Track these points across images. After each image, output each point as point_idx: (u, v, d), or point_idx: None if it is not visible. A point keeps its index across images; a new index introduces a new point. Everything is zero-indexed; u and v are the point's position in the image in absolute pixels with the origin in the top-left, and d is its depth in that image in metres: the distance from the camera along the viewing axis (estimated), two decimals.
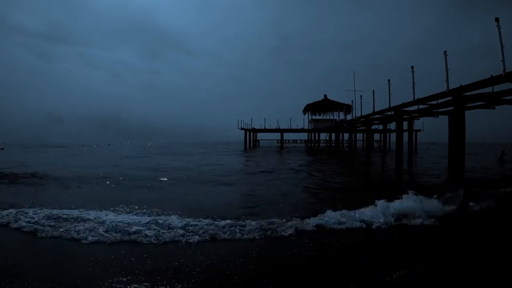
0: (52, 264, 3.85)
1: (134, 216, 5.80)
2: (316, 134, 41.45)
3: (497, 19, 7.78)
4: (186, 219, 5.48)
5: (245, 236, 4.79)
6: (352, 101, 22.36)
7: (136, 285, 3.22)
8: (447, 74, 9.72)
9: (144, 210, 6.23)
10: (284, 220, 5.41)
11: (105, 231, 4.90)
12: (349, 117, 27.39)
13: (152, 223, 5.27)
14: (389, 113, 16.04)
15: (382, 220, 5.39)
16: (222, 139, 72.66)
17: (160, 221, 5.35)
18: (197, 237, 4.70)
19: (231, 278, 3.42)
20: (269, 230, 4.98)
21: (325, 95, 41.17)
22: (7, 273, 3.46)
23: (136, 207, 6.44)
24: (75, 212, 6.01)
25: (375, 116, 17.68)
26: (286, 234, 4.87)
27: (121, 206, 6.52)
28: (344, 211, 5.66)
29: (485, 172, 13.84)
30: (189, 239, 4.66)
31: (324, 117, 40.67)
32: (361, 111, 18.97)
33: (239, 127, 37.51)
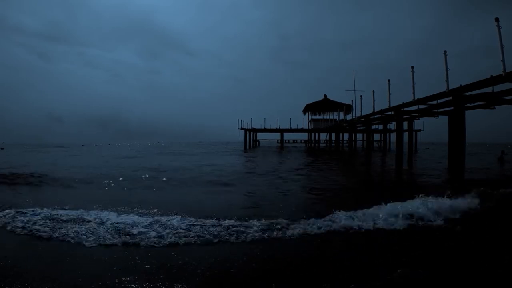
0: (51, 265, 3.81)
1: (136, 216, 5.74)
2: (316, 134, 41.43)
3: (497, 19, 7.79)
4: (189, 219, 5.43)
5: (249, 236, 4.72)
6: (352, 101, 22.40)
7: None
8: (447, 74, 9.72)
9: (146, 211, 6.20)
10: (289, 221, 5.35)
11: (107, 232, 4.86)
12: (349, 117, 27.40)
13: (155, 224, 5.22)
14: (389, 113, 16.05)
15: (392, 221, 5.33)
16: (222, 139, 72.66)
17: (163, 222, 5.31)
18: (201, 238, 4.65)
19: (237, 279, 3.42)
20: (275, 231, 4.92)
21: (325, 95, 41.18)
22: (6, 273, 3.47)
23: (138, 208, 6.40)
24: (76, 213, 5.97)
25: (375, 116, 17.69)
26: (292, 235, 4.81)
27: (122, 206, 6.50)
28: (350, 212, 5.62)
29: (485, 172, 13.83)
30: (193, 240, 4.61)
31: (324, 117, 40.67)
32: (361, 111, 18.99)
33: (239, 127, 37.55)
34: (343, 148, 33.00)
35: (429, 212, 5.72)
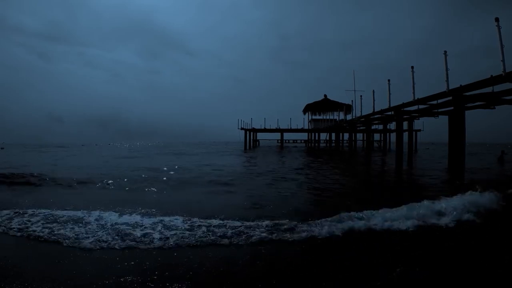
0: (51, 267, 3.76)
1: (138, 217, 5.67)
2: (316, 134, 41.44)
3: (497, 19, 7.79)
4: (193, 220, 5.37)
5: (254, 238, 4.65)
6: (352, 101, 22.43)
7: None
8: (447, 74, 9.73)
9: (148, 211, 6.15)
10: (293, 222, 5.29)
11: (108, 234, 4.79)
12: (349, 117, 27.42)
13: (158, 224, 5.18)
14: (389, 113, 16.06)
15: (406, 222, 5.22)
16: (222, 139, 72.76)
17: (166, 222, 5.26)
18: (206, 239, 4.59)
19: (242, 280, 3.41)
20: (280, 232, 4.85)
21: (325, 95, 41.20)
22: (6, 273, 3.46)
23: (139, 208, 6.35)
24: (77, 213, 5.92)
25: (375, 116, 17.69)
26: (297, 236, 4.74)
27: (123, 207, 6.45)
28: (358, 213, 5.56)
29: (485, 172, 13.82)
30: (197, 241, 4.55)
31: (324, 117, 40.69)
32: (361, 111, 19.01)
33: (239, 127, 37.54)
34: (343, 148, 33.00)
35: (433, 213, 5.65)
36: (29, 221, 5.49)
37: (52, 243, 4.57)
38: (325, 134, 38.82)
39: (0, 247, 4.54)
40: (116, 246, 4.38)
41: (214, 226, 5.10)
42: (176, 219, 5.47)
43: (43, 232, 4.94)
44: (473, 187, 6.77)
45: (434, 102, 12.10)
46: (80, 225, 5.25)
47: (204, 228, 5.01)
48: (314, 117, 41.56)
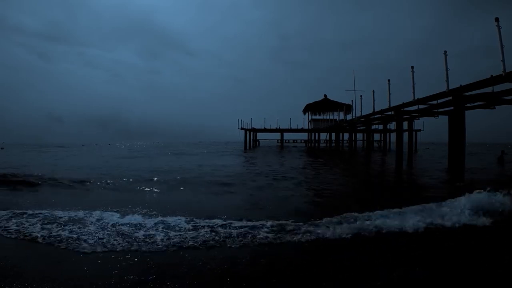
0: (52, 269, 3.71)
1: (140, 218, 5.62)
2: (316, 134, 41.44)
3: (497, 19, 7.79)
4: (196, 220, 5.32)
5: (257, 239, 4.59)
6: (352, 101, 22.44)
7: None
8: (447, 74, 9.73)
9: (149, 212, 6.12)
10: (295, 222, 5.24)
11: (109, 235, 4.72)
12: (349, 117, 27.42)
13: (160, 224, 5.13)
14: (389, 113, 16.07)
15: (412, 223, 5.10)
16: (222, 139, 72.69)
17: (168, 223, 5.21)
18: (210, 240, 4.53)
19: (245, 281, 3.39)
20: (285, 233, 4.79)
21: (325, 95, 41.19)
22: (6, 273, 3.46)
23: (141, 209, 6.32)
24: (77, 214, 5.89)
25: (375, 116, 17.70)
26: (300, 236, 4.67)
27: (124, 207, 6.43)
28: (358, 214, 5.52)
29: (485, 172, 13.81)
30: (201, 241, 4.49)
31: (324, 117, 40.67)
32: (361, 111, 19.02)
33: (239, 127, 37.53)
34: (343, 148, 33.00)
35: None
36: (28, 221, 5.44)
37: (52, 243, 4.51)
38: (325, 134, 38.85)
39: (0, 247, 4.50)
40: (118, 247, 4.31)
41: (218, 226, 5.05)
42: (179, 219, 5.42)
43: (42, 233, 4.87)
44: (481, 187, 6.64)
45: (434, 102, 12.10)
46: (81, 225, 5.20)
47: (207, 229, 4.95)
48: (314, 117, 41.57)
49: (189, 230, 4.92)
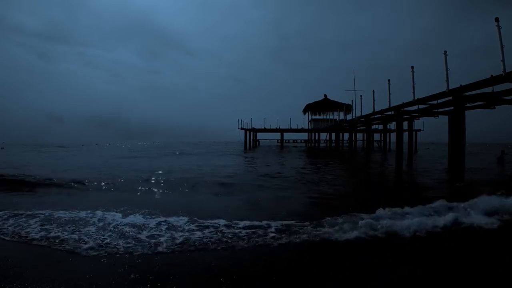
0: (51, 270, 3.66)
1: (142, 218, 5.57)
2: (316, 134, 41.45)
3: (497, 19, 7.79)
4: (200, 221, 5.27)
5: (264, 238, 4.55)
6: (352, 101, 22.46)
7: None
8: (447, 74, 9.73)
9: (151, 212, 6.05)
10: (307, 222, 5.17)
11: (112, 235, 4.66)
12: (349, 117, 27.43)
13: (163, 224, 5.10)
14: (389, 113, 16.07)
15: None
16: (222, 139, 72.68)
17: (171, 223, 5.18)
18: (213, 240, 4.48)
19: (251, 281, 3.39)
20: (291, 233, 4.74)
21: (325, 95, 41.19)
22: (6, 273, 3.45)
23: (142, 209, 6.24)
24: (79, 214, 5.83)
25: (375, 116, 17.70)
26: (304, 237, 4.61)
27: (126, 207, 6.38)
28: (364, 214, 5.48)
29: (485, 172, 13.81)
30: (206, 242, 4.44)
31: (324, 117, 40.69)
32: (361, 111, 19.03)
33: (239, 127, 37.55)
34: (343, 148, 33.00)
35: None
36: (28, 222, 5.39)
37: (53, 244, 4.47)
38: (325, 134, 38.87)
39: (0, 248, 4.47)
40: (121, 248, 4.24)
41: (222, 226, 5.01)
42: (181, 219, 5.38)
43: (42, 234, 4.82)
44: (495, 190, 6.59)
45: (434, 102, 12.11)
46: (83, 226, 5.16)
47: (212, 229, 4.91)
48: (314, 117, 41.58)
49: (193, 230, 4.86)
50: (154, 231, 4.86)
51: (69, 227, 5.09)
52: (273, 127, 40.39)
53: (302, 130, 41.59)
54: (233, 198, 8.23)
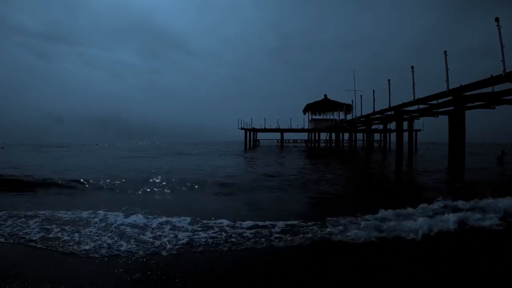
0: (51, 270, 3.61)
1: (143, 218, 5.55)
2: (316, 134, 41.45)
3: (497, 19, 7.79)
4: (203, 221, 5.24)
5: (269, 238, 4.52)
6: (352, 101, 22.44)
7: None
8: (447, 74, 9.73)
9: (153, 212, 6.02)
10: (310, 223, 5.17)
11: (113, 236, 4.61)
12: (349, 117, 27.42)
13: (166, 225, 5.08)
14: (389, 113, 16.06)
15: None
16: (222, 139, 72.62)
17: (173, 223, 5.15)
18: (218, 240, 4.45)
19: (257, 281, 3.39)
20: (296, 233, 4.71)
21: (325, 95, 41.17)
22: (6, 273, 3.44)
23: (143, 209, 6.23)
24: (81, 215, 5.80)
25: (375, 116, 17.70)
26: (314, 237, 4.59)
27: (127, 208, 6.37)
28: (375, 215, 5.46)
29: (485, 172, 13.81)
30: (211, 243, 4.41)
31: (324, 117, 40.65)
32: (361, 111, 19.02)
33: (239, 127, 37.54)
34: (343, 148, 33.01)
35: None
36: (28, 222, 5.36)
37: (53, 245, 4.44)
38: (325, 134, 38.85)
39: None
40: (125, 249, 4.20)
41: (226, 226, 4.99)
42: (184, 219, 5.36)
43: (43, 234, 4.78)
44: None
45: (434, 102, 12.10)
46: (84, 226, 5.13)
47: (216, 229, 4.89)
48: (314, 117, 41.56)
49: (197, 230, 4.84)
50: (158, 231, 4.83)
51: (70, 228, 5.06)
52: (273, 127, 40.39)
53: (302, 130, 41.58)
54: (234, 198, 8.23)
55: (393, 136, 21.66)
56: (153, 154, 31.62)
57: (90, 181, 10.67)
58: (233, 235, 4.65)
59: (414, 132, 22.61)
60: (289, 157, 24.87)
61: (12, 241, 4.61)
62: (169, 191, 9.32)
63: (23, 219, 5.55)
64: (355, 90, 24.35)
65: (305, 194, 8.98)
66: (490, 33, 8.08)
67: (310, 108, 41.51)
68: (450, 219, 5.09)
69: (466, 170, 10.80)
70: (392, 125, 24.11)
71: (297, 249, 4.27)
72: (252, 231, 4.81)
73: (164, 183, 10.44)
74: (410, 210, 5.74)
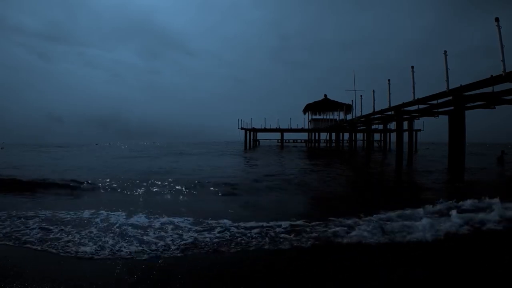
0: (52, 271, 3.59)
1: (145, 218, 5.52)
2: (316, 134, 41.45)
3: (497, 19, 7.79)
4: (206, 222, 5.22)
5: (273, 239, 4.51)
6: (352, 101, 22.46)
7: None
8: (447, 74, 9.74)
9: (155, 212, 6.00)
10: (315, 222, 5.14)
11: (115, 237, 4.58)
12: (349, 117, 27.43)
13: (168, 225, 5.06)
14: (389, 113, 16.07)
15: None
16: (222, 139, 72.65)
17: (176, 223, 5.13)
18: (222, 240, 4.43)
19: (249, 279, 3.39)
20: (302, 233, 4.69)
21: (325, 95, 41.16)
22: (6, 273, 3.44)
23: (144, 210, 6.22)
24: (82, 215, 5.77)
25: (375, 116, 17.70)
26: (311, 237, 4.58)
27: (128, 208, 6.35)
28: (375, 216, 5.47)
29: (485, 172, 13.80)
30: (216, 243, 4.39)
31: (324, 117, 40.64)
32: (361, 111, 19.02)
33: (239, 127, 37.55)
34: (343, 148, 33.02)
35: None
36: (27, 222, 5.33)
37: (53, 245, 4.41)
38: (325, 134, 38.83)
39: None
40: (128, 249, 4.15)
41: (231, 226, 4.99)
42: (187, 219, 5.34)
43: (43, 234, 4.75)
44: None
45: (434, 102, 12.10)
46: (85, 227, 5.11)
47: (220, 229, 4.88)
48: (314, 117, 41.55)
49: (200, 231, 4.82)
50: (161, 232, 4.81)
51: (71, 228, 5.03)
52: (273, 127, 40.41)
53: (302, 130, 41.58)
54: (235, 199, 8.23)
55: (393, 136, 21.68)
56: (154, 154, 31.61)
57: (91, 181, 10.66)
58: (237, 235, 4.63)
59: (414, 132, 22.63)
60: (289, 157, 24.87)
61: (12, 241, 4.58)
62: (170, 191, 9.31)
63: (23, 219, 5.53)
64: (355, 90, 24.38)
65: (306, 194, 8.98)
66: (490, 33, 8.10)
67: (310, 108, 41.50)
68: (453, 220, 5.10)
69: (466, 170, 10.80)
70: (392, 125, 24.13)
71: (302, 249, 4.23)
72: (256, 231, 4.79)
73: (165, 183, 10.40)
74: (413, 210, 5.73)
